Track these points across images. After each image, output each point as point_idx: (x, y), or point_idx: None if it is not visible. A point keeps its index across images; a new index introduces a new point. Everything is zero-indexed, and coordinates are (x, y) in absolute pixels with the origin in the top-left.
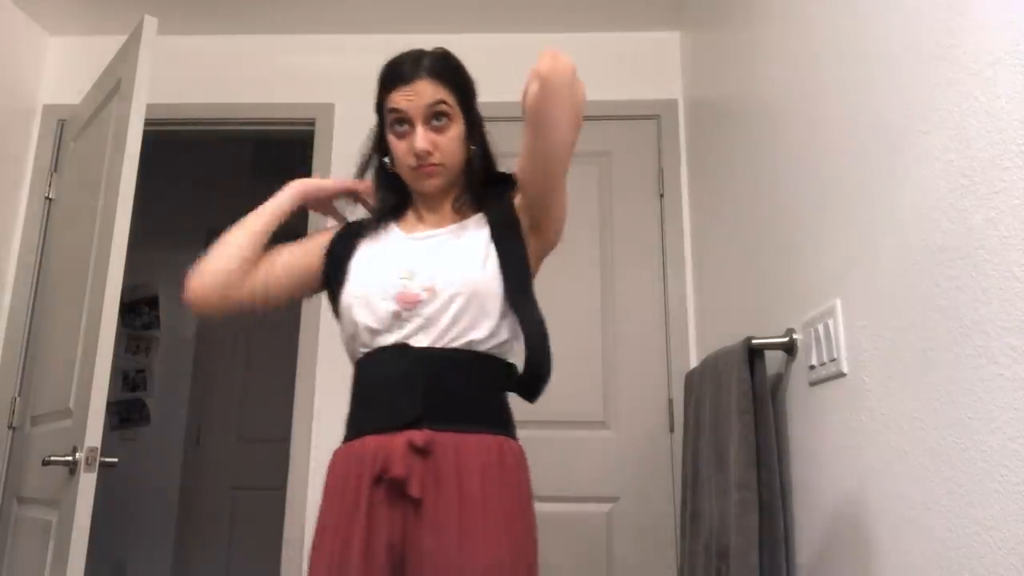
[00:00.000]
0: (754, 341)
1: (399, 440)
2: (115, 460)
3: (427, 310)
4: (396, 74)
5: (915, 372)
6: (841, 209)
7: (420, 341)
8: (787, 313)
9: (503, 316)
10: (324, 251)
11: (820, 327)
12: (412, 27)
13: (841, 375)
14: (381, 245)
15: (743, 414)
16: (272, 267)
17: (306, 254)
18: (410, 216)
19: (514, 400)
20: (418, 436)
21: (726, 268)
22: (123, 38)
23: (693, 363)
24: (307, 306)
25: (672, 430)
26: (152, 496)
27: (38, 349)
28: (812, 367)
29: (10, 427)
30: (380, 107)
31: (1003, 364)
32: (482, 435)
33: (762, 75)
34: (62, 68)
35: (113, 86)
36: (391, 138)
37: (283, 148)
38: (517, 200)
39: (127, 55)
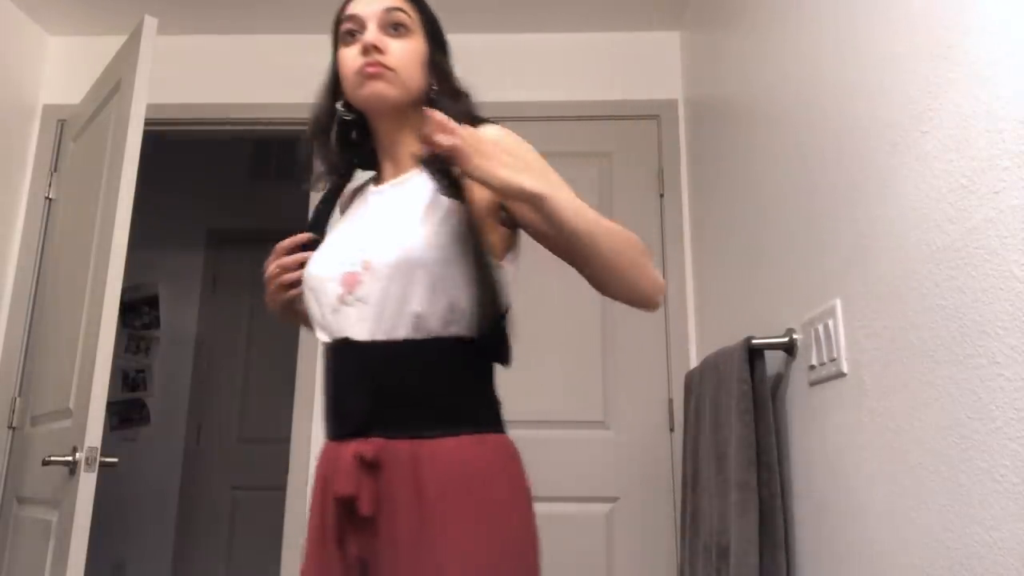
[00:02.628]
0: (754, 341)
1: (346, 452)
2: (115, 460)
3: (364, 291)
4: None
5: (915, 372)
6: (841, 209)
7: (361, 332)
8: (787, 313)
9: (453, 284)
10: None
11: (820, 327)
12: None
13: (841, 375)
14: (352, 210)
15: (743, 414)
16: None
17: None
18: (381, 171)
19: (511, 399)
20: (367, 448)
21: (726, 268)
22: (123, 38)
23: (693, 363)
24: None
25: (672, 430)
26: (152, 496)
27: (38, 349)
28: (812, 367)
29: (10, 427)
30: (335, 38)
31: (1003, 364)
32: (444, 439)
33: (762, 75)
34: (62, 68)
35: (113, 86)
36: (341, 54)
37: (283, 148)
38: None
39: (127, 55)
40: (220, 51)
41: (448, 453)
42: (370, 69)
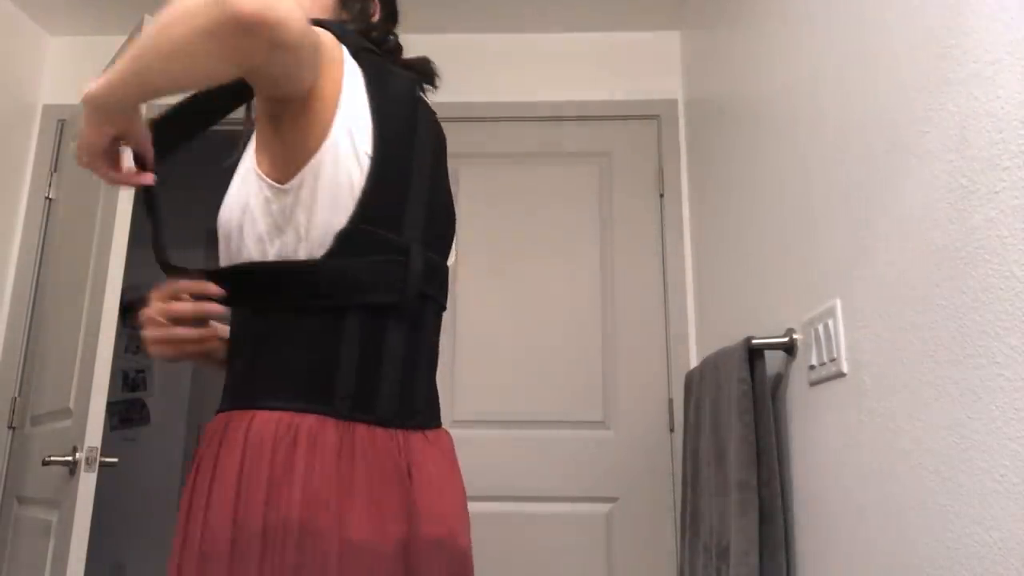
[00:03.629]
0: (754, 341)
1: None
2: (115, 460)
3: None
4: None
5: (915, 372)
6: (841, 209)
7: None
8: (787, 313)
9: (255, 240)
10: None
11: (820, 327)
12: (411, 27)
13: (841, 375)
14: None
15: (743, 414)
16: None
17: None
18: None
19: (512, 398)
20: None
21: (726, 268)
22: (123, 38)
23: (693, 363)
24: None
25: (672, 430)
26: (152, 496)
27: (38, 349)
28: (812, 367)
29: (10, 427)
30: None
31: (1003, 364)
32: (218, 415)
33: (762, 75)
34: (62, 68)
35: None
36: None
37: None
38: None
39: None
40: None
41: (211, 430)
42: None
